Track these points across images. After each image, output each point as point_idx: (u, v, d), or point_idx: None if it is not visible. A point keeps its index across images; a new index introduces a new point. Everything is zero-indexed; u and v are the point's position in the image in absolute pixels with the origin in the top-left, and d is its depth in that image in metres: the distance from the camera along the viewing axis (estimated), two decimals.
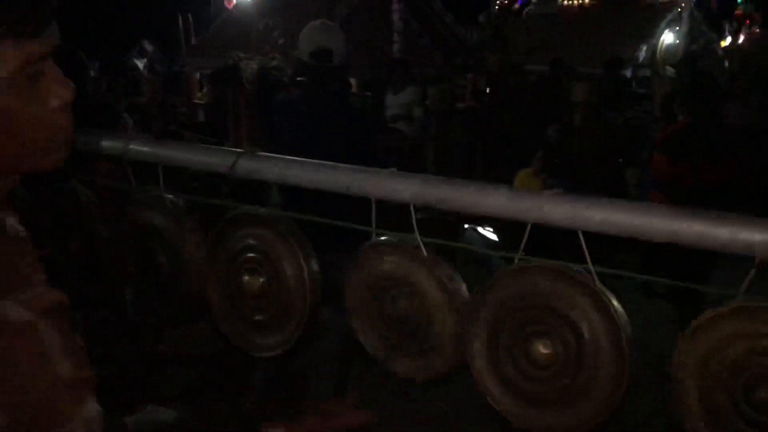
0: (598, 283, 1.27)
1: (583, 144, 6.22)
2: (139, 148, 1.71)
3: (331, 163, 1.53)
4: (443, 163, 6.43)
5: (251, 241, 1.60)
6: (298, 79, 3.50)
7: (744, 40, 15.04)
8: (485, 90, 8.21)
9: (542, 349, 1.31)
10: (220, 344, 4.09)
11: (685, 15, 14.08)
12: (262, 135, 5.30)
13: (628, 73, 10.78)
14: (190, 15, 11.49)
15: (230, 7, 11.88)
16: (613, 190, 5.00)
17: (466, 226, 4.80)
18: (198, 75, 9.85)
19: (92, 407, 0.75)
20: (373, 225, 1.47)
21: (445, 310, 1.43)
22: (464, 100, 8.05)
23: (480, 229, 4.76)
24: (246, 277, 1.61)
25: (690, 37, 13.97)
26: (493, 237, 4.74)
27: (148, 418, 2.01)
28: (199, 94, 8.83)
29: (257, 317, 1.64)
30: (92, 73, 7.38)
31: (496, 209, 1.32)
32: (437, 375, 1.50)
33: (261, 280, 1.59)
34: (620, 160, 6.01)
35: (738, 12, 16.02)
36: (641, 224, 1.19)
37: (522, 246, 1.33)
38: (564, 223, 1.26)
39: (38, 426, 0.70)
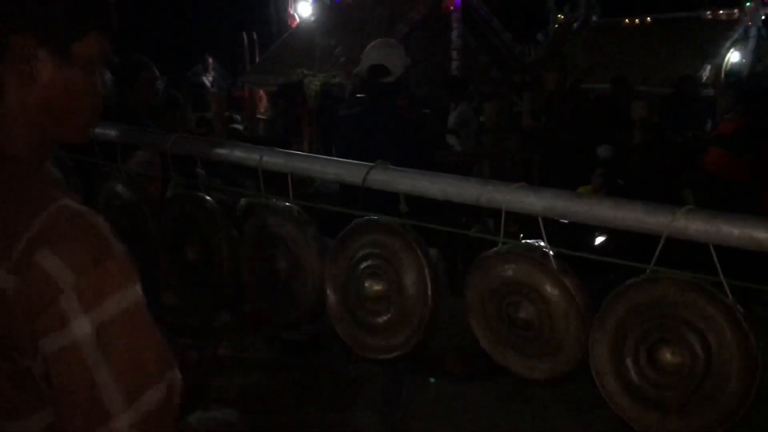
0: (729, 296, 1.27)
1: (641, 162, 6.18)
2: (272, 159, 1.79)
3: (461, 176, 1.57)
4: (498, 178, 6.46)
5: (374, 249, 1.65)
6: (357, 96, 3.61)
7: None
8: (542, 108, 8.22)
9: (669, 357, 1.33)
10: (278, 348, 4.23)
11: (752, 33, 13.73)
12: (322, 149, 5.44)
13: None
14: (254, 33, 11.84)
15: (293, 25, 12.20)
16: None
17: (522, 241, 4.84)
18: (261, 92, 10.14)
19: None
20: (501, 234, 1.52)
21: (570, 317, 1.44)
22: (521, 118, 8.07)
23: (535, 244, 4.79)
24: (368, 282, 1.66)
25: (756, 55, 13.61)
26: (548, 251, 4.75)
27: (210, 416, 2.11)
28: (261, 110, 9.10)
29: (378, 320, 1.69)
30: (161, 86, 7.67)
31: (631, 222, 1.32)
32: (556, 375, 1.52)
33: (382, 285, 1.64)
34: (678, 179, 5.95)
35: None
36: None
37: (655, 257, 1.34)
38: (699, 236, 1.26)
39: None
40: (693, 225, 1.26)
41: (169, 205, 2.15)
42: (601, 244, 4.17)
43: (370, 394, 3.68)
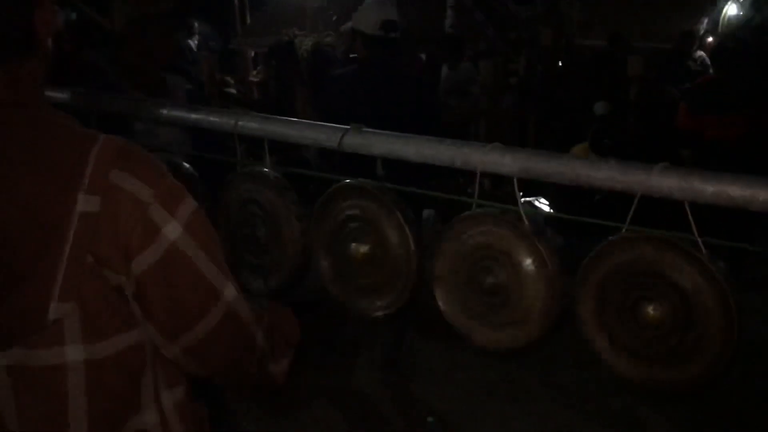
0: (704, 251, 1.29)
1: (636, 119, 6.13)
2: (247, 123, 1.77)
3: (437, 137, 1.55)
4: (494, 137, 6.43)
5: (356, 212, 1.66)
6: (351, 55, 3.52)
7: None
8: (538, 65, 8.13)
9: (650, 312, 1.37)
10: None
11: None
12: (315, 109, 5.38)
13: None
14: None
15: None
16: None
17: (522, 199, 4.82)
18: (253, 53, 10.00)
19: None
20: (476, 195, 1.52)
21: (540, 284, 1.47)
22: (517, 76, 7.98)
23: (536, 202, 4.78)
24: (353, 245, 1.68)
25: (755, 8, 13.42)
26: (547, 209, 4.76)
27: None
28: (253, 72, 8.97)
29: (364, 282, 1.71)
30: None
31: (607, 181, 1.35)
32: (517, 347, 1.55)
33: (366, 247, 1.66)
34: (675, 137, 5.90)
35: None
36: (751, 195, 1.20)
37: (629, 216, 1.36)
38: (674, 194, 1.28)
39: None
40: (667, 182, 1.28)
41: None
42: (599, 202, 4.15)
43: (368, 357, 3.70)
